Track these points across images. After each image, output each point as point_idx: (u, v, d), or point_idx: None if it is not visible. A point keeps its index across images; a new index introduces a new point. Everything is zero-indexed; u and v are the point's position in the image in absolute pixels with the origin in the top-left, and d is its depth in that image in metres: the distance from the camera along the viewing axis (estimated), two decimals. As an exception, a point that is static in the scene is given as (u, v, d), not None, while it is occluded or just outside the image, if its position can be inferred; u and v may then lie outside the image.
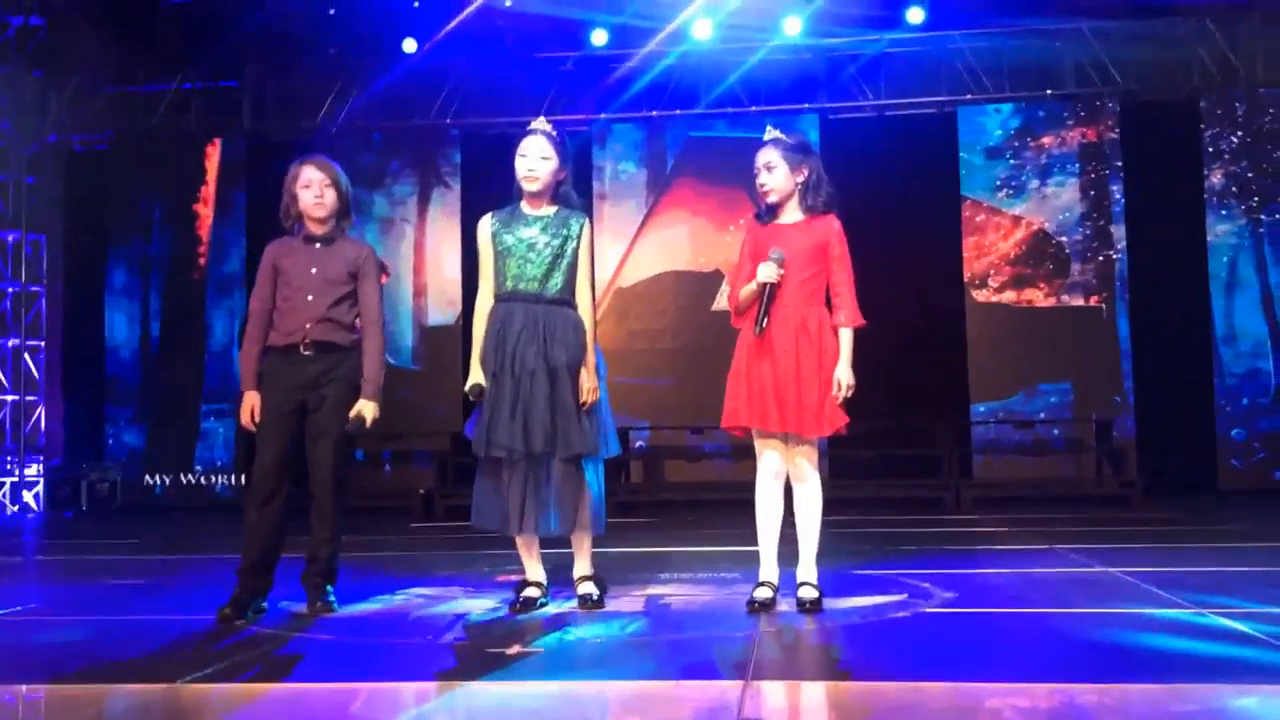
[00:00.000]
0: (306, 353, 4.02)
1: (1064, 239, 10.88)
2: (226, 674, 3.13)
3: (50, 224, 11.93)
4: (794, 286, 3.88)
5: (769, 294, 3.85)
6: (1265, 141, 10.65)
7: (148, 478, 11.37)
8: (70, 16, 11.27)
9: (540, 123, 4.06)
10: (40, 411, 11.75)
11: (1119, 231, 10.78)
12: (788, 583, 3.93)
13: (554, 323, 3.93)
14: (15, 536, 8.91)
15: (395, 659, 3.33)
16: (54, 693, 3.00)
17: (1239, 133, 10.68)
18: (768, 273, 3.84)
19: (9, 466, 11.36)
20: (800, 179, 3.95)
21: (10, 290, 11.56)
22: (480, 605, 4.19)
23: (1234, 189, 10.67)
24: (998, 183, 11.03)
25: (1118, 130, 10.88)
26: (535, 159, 3.98)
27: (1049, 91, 10.98)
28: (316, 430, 4.03)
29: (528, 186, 4.00)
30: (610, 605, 4.05)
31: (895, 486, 10.20)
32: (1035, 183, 10.99)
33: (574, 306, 4.01)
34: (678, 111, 11.34)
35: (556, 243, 3.99)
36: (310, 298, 4.03)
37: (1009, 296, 10.92)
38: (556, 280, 3.97)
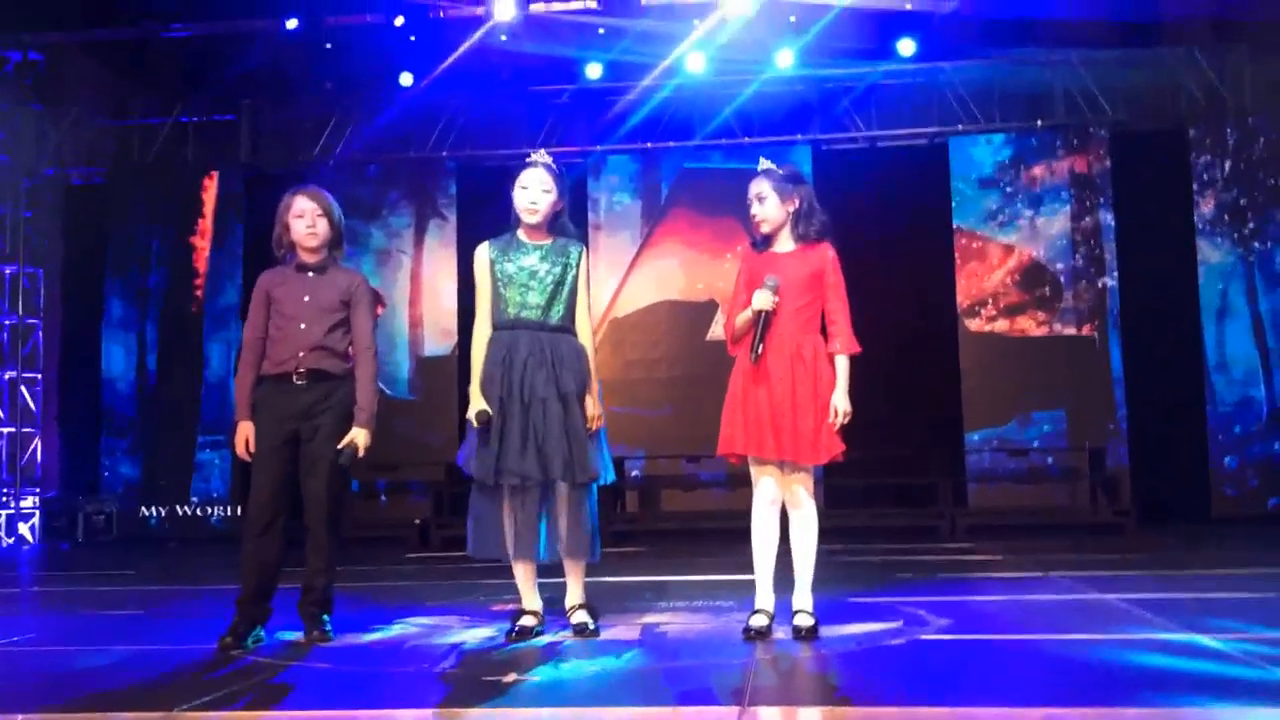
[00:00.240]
0: (300, 381, 4.03)
1: (1056, 268, 10.93)
2: (223, 702, 3.13)
3: (48, 257, 11.94)
4: (789, 314, 3.92)
5: (764, 321, 3.88)
6: (1255, 169, 10.69)
7: (144, 509, 11.32)
8: (68, 50, 11.34)
9: (540, 155, 4.09)
10: (36, 443, 11.73)
11: (1111, 260, 10.82)
12: (784, 610, 3.94)
13: (560, 350, 3.97)
14: (11, 568, 8.87)
15: (392, 687, 3.33)
16: (51, 722, 3.01)
17: (1229, 161, 10.74)
18: (763, 300, 3.88)
19: (5, 498, 11.32)
20: (791, 208, 4.00)
21: (8, 323, 11.56)
22: (476, 634, 4.20)
23: (1225, 217, 10.71)
24: (989, 212, 11.09)
25: (1108, 159, 10.94)
26: (537, 191, 4.01)
27: (1039, 121, 11.07)
28: (310, 460, 4.04)
29: (529, 219, 4.03)
30: (606, 634, 4.05)
31: (890, 515, 10.25)
32: (1027, 212, 11.04)
33: (575, 334, 4.04)
34: (672, 143, 11.41)
35: (557, 270, 4.02)
36: (303, 325, 4.05)
37: (1002, 326, 10.96)
38: (559, 308, 4.00)
